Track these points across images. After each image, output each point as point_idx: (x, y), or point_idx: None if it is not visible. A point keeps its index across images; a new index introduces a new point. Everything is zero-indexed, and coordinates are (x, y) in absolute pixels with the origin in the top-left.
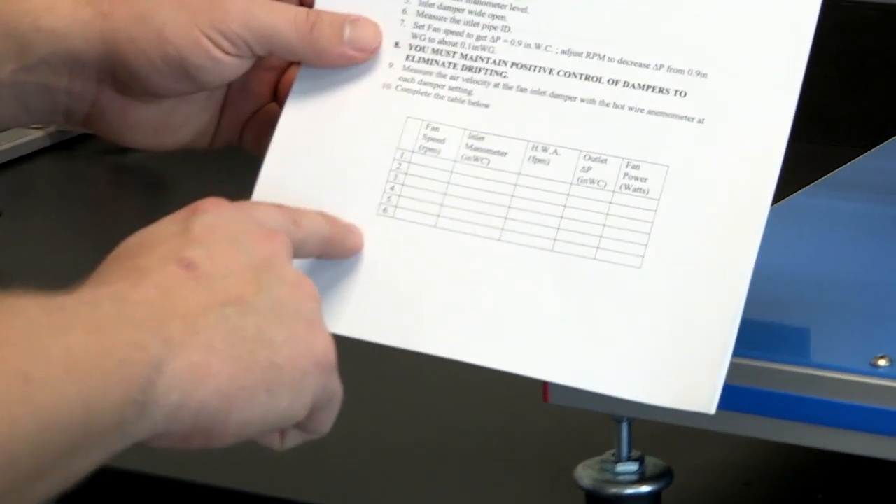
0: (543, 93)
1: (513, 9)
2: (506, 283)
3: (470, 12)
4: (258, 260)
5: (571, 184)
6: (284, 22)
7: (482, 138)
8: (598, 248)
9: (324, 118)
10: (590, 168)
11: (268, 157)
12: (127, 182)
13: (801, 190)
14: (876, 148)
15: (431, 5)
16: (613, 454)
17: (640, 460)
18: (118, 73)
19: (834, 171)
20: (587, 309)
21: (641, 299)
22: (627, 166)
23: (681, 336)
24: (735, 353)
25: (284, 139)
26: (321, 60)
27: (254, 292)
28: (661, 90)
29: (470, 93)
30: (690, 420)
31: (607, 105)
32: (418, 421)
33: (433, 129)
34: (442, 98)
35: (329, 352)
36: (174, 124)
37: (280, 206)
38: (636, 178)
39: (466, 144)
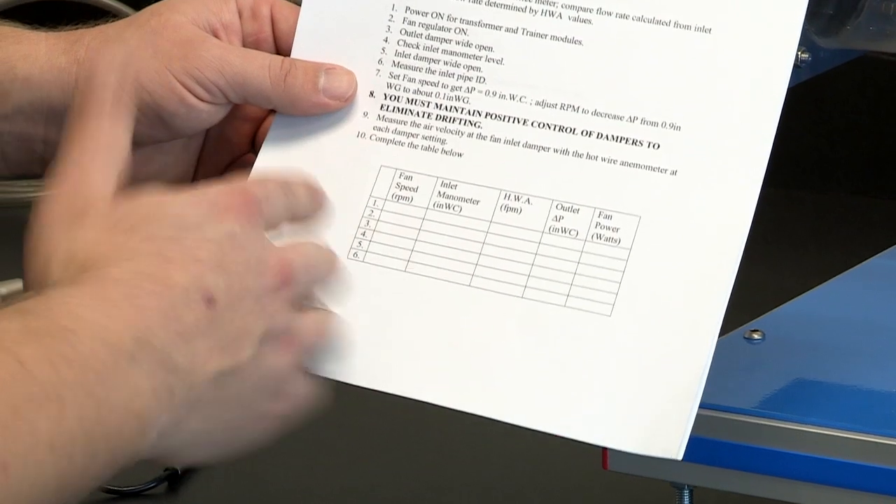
0: (517, 143)
1: (488, 60)
2: (474, 327)
3: (445, 63)
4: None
5: (543, 232)
6: (259, 69)
7: (455, 186)
8: (568, 295)
9: (298, 166)
10: (562, 217)
11: None
12: None
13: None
14: None
15: (407, 56)
16: None
17: None
18: None
19: None
20: (555, 355)
21: (610, 347)
22: (599, 216)
23: (648, 384)
24: (806, 421)
25: None
26: (295, 108)
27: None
28: (634, 142)
29: (444, 142)
30: (752, 488)
31: (581, 156)
32: (476, 492)
33: (406, 177)
34: (416, 147)
35: None
36: (150, 173)
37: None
38: (608, 228)
39: (439, 192)
